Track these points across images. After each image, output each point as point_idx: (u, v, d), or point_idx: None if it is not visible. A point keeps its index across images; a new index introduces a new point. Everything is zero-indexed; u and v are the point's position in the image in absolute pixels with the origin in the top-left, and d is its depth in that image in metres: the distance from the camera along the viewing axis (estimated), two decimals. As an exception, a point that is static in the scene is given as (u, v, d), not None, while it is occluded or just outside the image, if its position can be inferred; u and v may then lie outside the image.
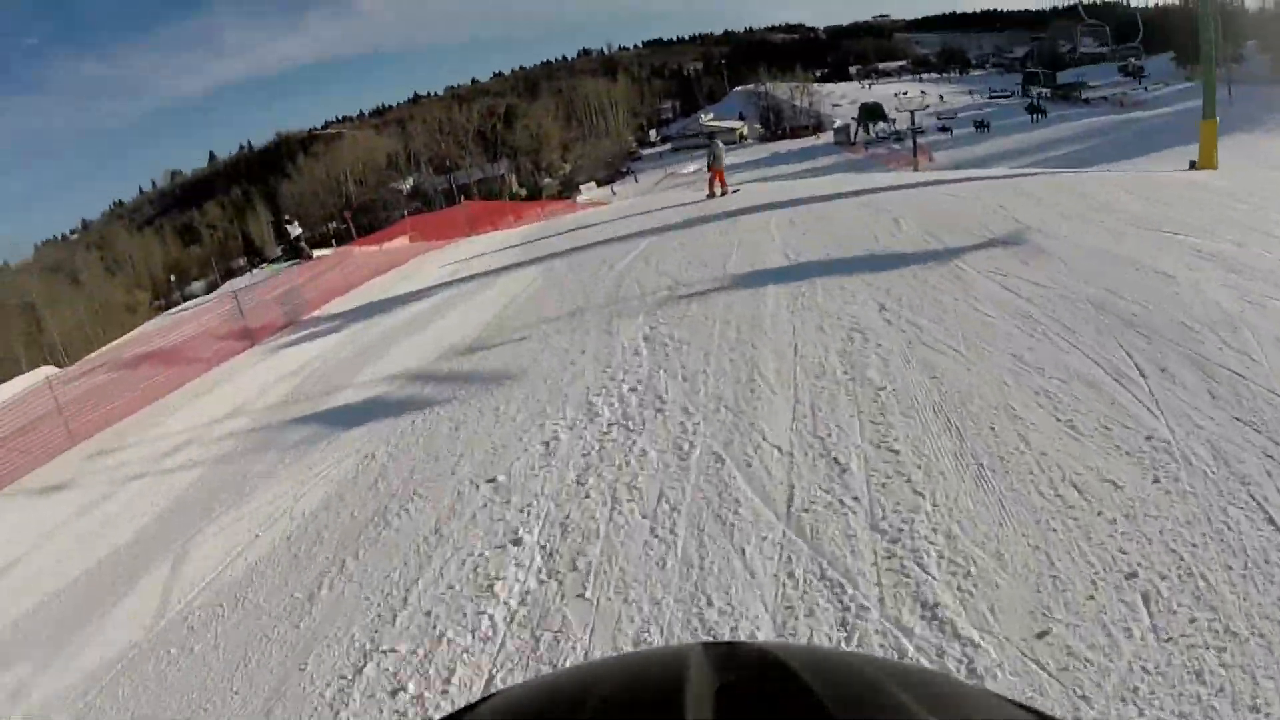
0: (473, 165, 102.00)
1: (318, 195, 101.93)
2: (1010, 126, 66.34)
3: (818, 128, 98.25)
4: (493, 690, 0.67)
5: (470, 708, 0.51)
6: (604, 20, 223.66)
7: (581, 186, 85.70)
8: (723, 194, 18.38)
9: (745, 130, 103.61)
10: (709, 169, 19.50)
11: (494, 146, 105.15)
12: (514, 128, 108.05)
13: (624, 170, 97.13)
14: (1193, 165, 14.25)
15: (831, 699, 0.43)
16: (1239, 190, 10.06)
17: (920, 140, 61.73)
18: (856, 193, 14.81)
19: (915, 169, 53.26)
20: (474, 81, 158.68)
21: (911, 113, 59.75)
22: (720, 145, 20.14)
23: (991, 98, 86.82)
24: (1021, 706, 0.50)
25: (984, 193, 12.57)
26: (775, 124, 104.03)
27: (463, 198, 65.97)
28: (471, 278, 13.67)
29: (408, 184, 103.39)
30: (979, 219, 10.06)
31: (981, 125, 66.00)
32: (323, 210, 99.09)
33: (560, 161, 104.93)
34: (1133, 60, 51.18)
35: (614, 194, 78.80)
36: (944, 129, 70.82)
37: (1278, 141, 33.60)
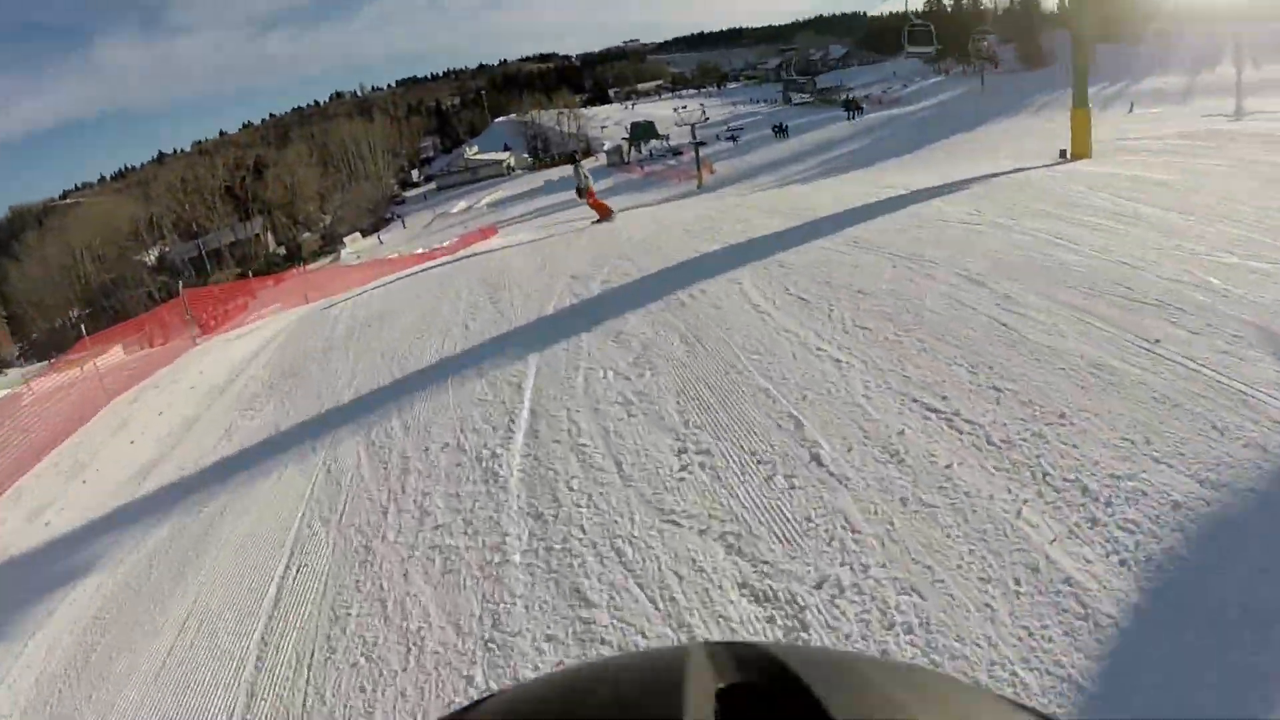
0: (224, 226, 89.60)
1: (52, 279, 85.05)
2: (792, 130, 64.91)
3: (587, 152, 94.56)
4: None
5: (470, 708, 0.51)
6: (356, 62, 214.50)
7: (345, 239, 76.77)
8: (599, 220, 16.57)
9: (512, 161, 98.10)
10: (579, 195, 17.11)
11: (245, 203, 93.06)
12: (265, 180, 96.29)
13: (389, 216, 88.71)
14: (1064, 154, 13.00)
15: (831, 699, 0.42)
16: (1193, 185, 8.54)
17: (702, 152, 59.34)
18: (813, 226, 9.22)
19: (699, 183, 50.21)
20: (222, 134, 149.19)
21: (692, 126, 56.37)
22: (584, 167, 17.55)
23: (794, 104, 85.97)
24: (1022, 708, 0.50)
25: (980, 214, 8.64)
26: (543, 151, 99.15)
27: (178, 284, 56.29)
28: (155, 505, 6.43)
29: (153, 255, 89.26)
30: (1093, 270, 6.09)
31: (780, 130, 63.98)
32: (57, 297, 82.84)
33: (319, 213, 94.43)
34: (985, 44, 50.53)
35: (381, 243, 71.32)
36: (732, 138, 68.50)
37: (1043, 122, 32.94)
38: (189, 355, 13.42)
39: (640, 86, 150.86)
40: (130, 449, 8.40)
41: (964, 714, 0.47)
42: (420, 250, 46.80)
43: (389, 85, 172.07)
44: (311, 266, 70.86)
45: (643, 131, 77.34)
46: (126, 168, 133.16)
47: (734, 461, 4.19)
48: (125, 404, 10.82)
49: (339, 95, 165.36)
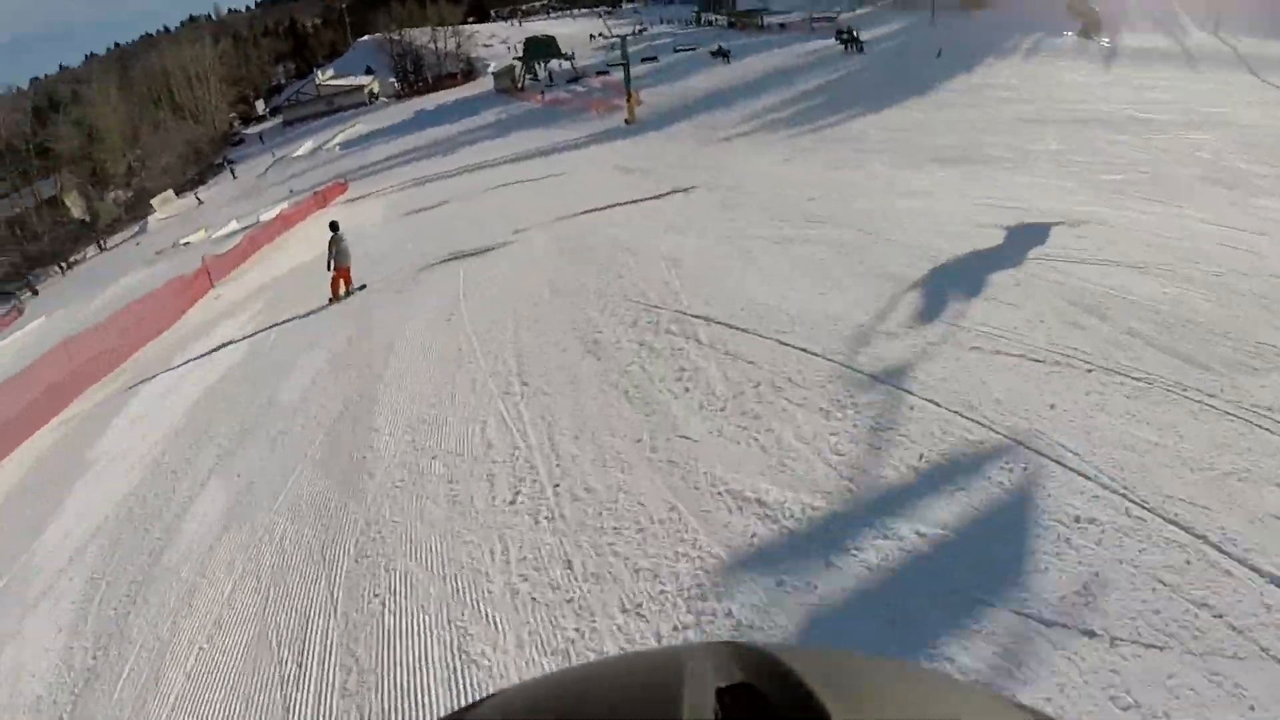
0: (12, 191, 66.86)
1: None
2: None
3: (469, 75, 77.70)
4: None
5: (470, 708, 0.51)
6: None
7: (154, 200, 58.47)
8: (345, 294, 14.14)
9: (376, 87, 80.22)
10: (330, 268, 14.05)
11: (27, 158, 69.51)
12: (56, 126, 73.33)
13: (221, 162, 70.20)
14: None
15: (831, 700, 0.43)
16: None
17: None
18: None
19: (629, 118, 36.01)
20: (63, 68, 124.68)
21: (622, 39, 41.22)
22: (344, 239, 14.06)
23: (709, 26, 68.84)
24: (1022, 708, 0.50)
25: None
26: (415, 75, 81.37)
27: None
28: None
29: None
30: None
31: (722, 54, 48.78)
32: None
33: (133, 165, 72.80)
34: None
35: (200, 203, 54.23)
36: (650, 58, 53.71)
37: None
38: None
39: (525, 7, 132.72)
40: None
41: (962, 713, 0.47)
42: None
43: (248, 7, 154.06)
44: (117, 239, 52.78)
45: (541, 49, 61.23)
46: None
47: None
48: None
49: (193, 19, 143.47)
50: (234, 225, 34.40)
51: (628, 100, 38.68)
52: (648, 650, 0.58)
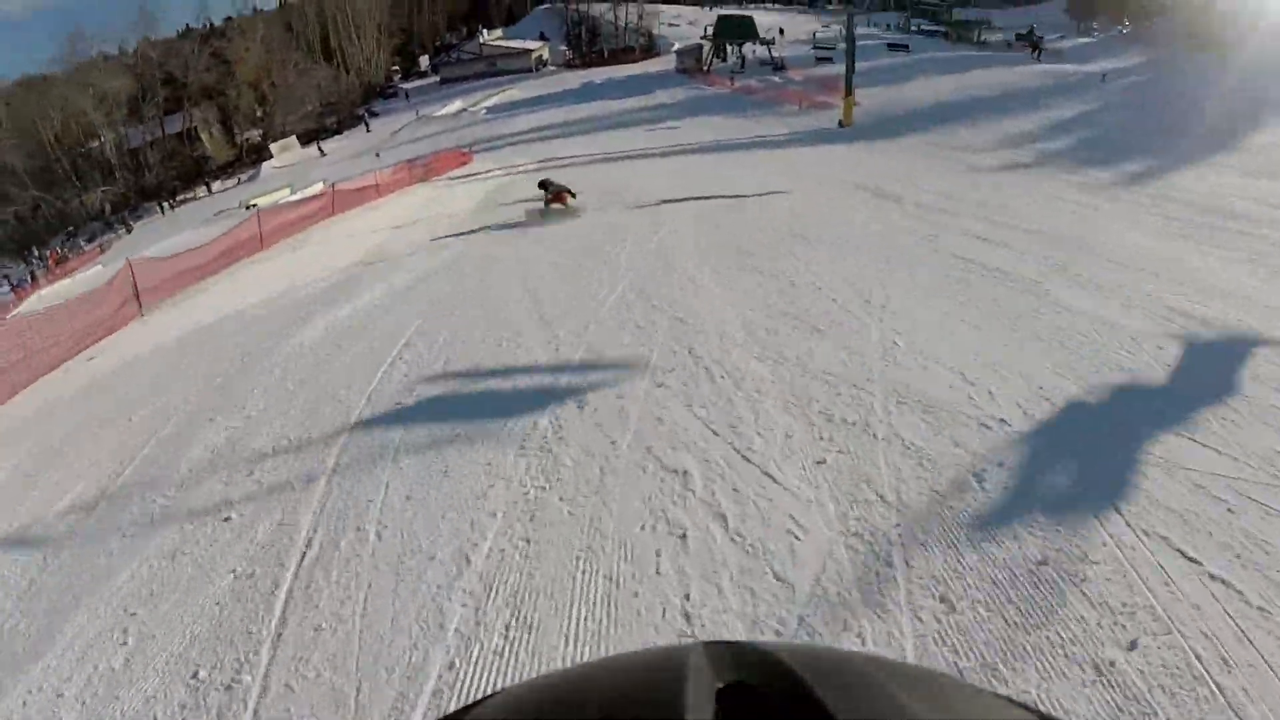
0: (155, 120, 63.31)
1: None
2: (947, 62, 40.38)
3: (648, 51, 69.29)
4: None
5: (470, 707, 0.51)
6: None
7: (274, 146, 52.42)
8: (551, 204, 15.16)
9: (545, 53, 72.53)
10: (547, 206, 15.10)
11: (152, 92, 64.36)
12: (191, 64, 67.37)
13: (361, 113, 63.74)
14: None
15: (832, 699, 0.42)
16: None
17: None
18: None
19: (844, 119, 26.87)
20: (283, 5, 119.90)
21: (849, 16, 31.69)
22: (552, 183, 15.67)
23: (919, 33, 57.56)
24: (1022, 706, 0.49)
25: None
26: (588, 45, 73.32)
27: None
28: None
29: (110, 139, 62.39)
30: None
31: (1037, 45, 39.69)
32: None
33: (267, 107, 66.97)
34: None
35: (322, 154, 47.74)
36: (900, 46, 44.37)
37: None
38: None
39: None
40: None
41: (963, 712, 0.46)
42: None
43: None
44: (228, 184, 48.04)
45: (735, 28, 52.06)
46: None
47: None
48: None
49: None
50: (320, 187, 26.76)
51: (846, 97, 29.69)
52: (648, 650, 0.58)
